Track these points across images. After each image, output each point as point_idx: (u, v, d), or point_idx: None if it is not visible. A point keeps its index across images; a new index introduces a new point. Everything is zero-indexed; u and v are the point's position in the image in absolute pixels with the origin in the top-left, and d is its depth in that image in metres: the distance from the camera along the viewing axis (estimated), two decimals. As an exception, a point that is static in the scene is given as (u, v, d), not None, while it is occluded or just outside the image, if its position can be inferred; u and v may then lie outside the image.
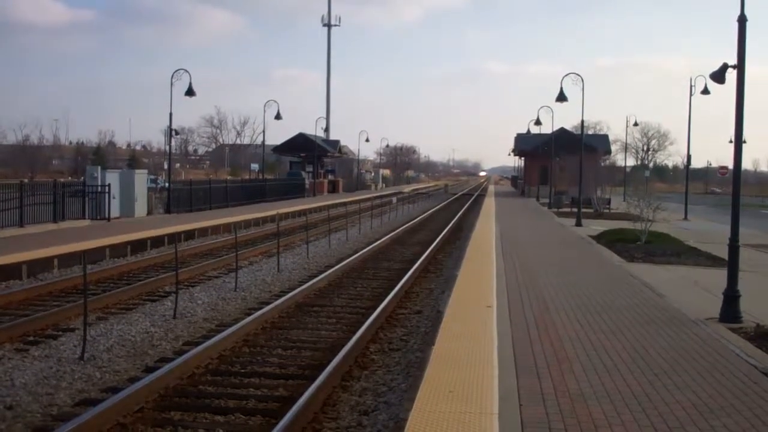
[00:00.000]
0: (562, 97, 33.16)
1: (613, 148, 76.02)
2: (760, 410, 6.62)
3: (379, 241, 23.41)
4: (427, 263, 18.86)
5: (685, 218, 37.80)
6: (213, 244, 21.99)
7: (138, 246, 20.14)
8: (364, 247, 21.83)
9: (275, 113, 51.20)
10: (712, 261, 18.03)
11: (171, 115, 34.69)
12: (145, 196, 29.58)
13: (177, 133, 52.62)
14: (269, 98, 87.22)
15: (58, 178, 34.84)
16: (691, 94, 37.63)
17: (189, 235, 23.83)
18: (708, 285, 13.87)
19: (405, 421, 6.03)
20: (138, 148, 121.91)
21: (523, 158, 77.79)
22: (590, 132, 68.06)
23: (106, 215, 25.64)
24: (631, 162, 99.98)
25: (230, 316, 12.24)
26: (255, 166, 78.92)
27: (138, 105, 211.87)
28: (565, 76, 33.52)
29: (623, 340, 9.35)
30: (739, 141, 10.92)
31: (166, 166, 53.40)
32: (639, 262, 18.00)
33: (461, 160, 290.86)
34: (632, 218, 25.15)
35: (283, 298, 12.93)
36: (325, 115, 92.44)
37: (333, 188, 65.51)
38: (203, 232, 24.94)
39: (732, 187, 11.62)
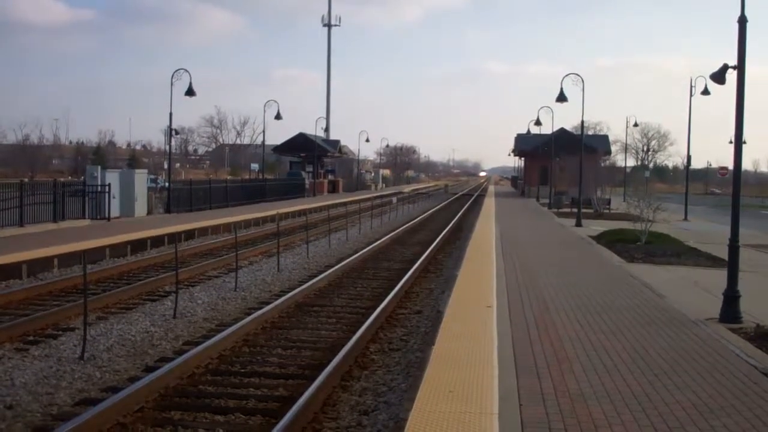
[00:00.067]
0: (562, 98, 33.17)
1: (613, 148, 76.09)
2: (760, 410, 6.63)
3: (379, 241, 23.41)
4: (427, 263, 18.86)
5: (685, 219, 37.80)
6: (213, 244, 21.99)
7: (138, 246, 20.14)
8: (364, 247, 21.83)
9: (275, 113, 51.28)
10: (712, 261, 18.03)
11: (171, 114, 34.72)
12: (145, 196, 29.59)
13: (177, 132, 52.61)
14: (269, 98, 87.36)
15: (58, 178, 34.87)
16: (691, 95, 37.68)
17: (189, 234, 23.83)
18: (708, 285, 13.87)
19: (405, 421, 6.03)
20: (138, 147, 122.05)
21: (523, 158, 77.80)
22: (590, 132, 68.07)
23: (106, 215, 25.64)
24: (631, 162, 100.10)
25: (230, 315, 12.24)
26: (255, 166, 78.92)
27: (138, 105, 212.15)
28: (566, 76, 33.60)
29: (623, 340, 9.35)
30: (739, 141, 10.92)
31: (166, 166, 53.41)
32: (639, 262, 18.00)
33: (461, 160, 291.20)
34: (632, 219, 25.15)
35: (283, 298, 12.93)
36: (325, 115, 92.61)
37: (333, 188, 65.53)
38: (203, 231, 24.94)
39: (732, 187, 11.62)
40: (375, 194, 59.72)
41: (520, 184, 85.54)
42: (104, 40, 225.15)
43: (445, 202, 56.10)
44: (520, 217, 37.30)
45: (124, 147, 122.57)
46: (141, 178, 29.58)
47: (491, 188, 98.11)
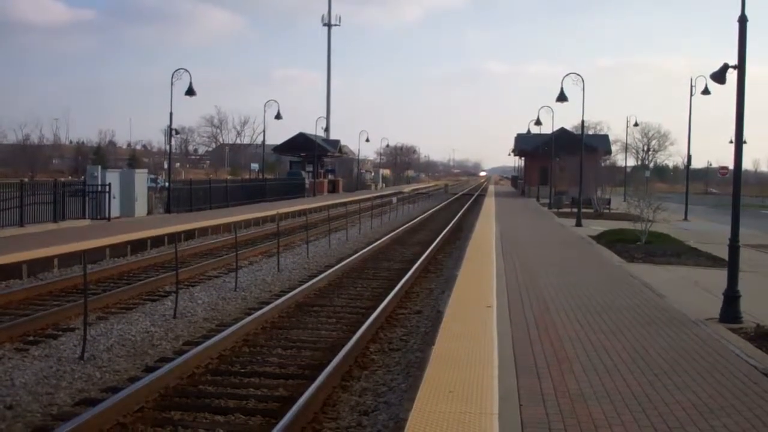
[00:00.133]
0: (562, 97, 33.15)
1: (614, 148, 76.08)
2: (760, 410, 6.62)
3: (379, 241, 23.41)
4: (427, 263, 18.86)
5: (685, 218, 37.79)
6: (213, 244, 21.99)
7: (138, 246, 20.14)
8: (364, 247, 21.83)
9: (275, 113, 51.29)
10: (713, 261, 18.03)
11: (171, 114, 34.74)
12: (145, 196, 29.59)
13: (177, 132, 52.58)
14: (269, 98, 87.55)
15: (58, 178, 34.88)
16: (691, 95, 37.68)
17: (189, 234, 23.83)
18: (708, 285, 13.87)
19: (405, 422, 6.03)
20: (138, 147, 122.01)
21: (523, 158, 77.81)
22: (590, 132, 68.03)
23: (107, 215, 25.65)
24: (631, 162, 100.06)
25: (230, 315, 12.24)
26: (255, 166, 78.94)
27: (138, 105, 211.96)
28: (566, 76, 33.56)
29: (623, 340, 9.35)
30: (739, 141, 10.92)
31: (166, 166, 53.40)
32: (639, 262, 18.00)
33: (461, 160, 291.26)
34: (632, 218, 25.16)
35: (283, 298, 12.93)
36: (325, 115, 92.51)
37: (333, 188, 65.52)
38: (203, 231, 24.94)
39: (732, 187, 11.62)
40: (375, 194, 59.71)
41: (520, 183, 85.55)
42: (104, 40, 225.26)
43: (445, 202, 56.10)
44: (520, 217, 37.30)
45: (125, 147, 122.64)
46: (141, 178, 29.59)
47: (491, 188, 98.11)
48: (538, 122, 48.61)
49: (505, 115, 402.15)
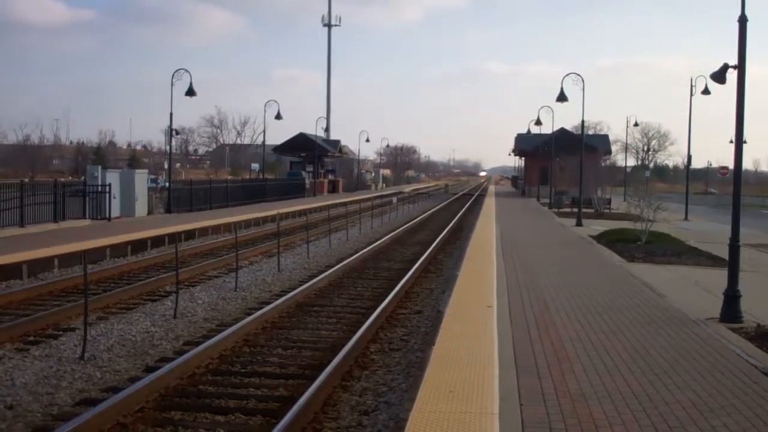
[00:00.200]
0: (562, 97, 33.16)
1: (614, 148, 76.11)
2: (760, 410, 6.63)
3: (379, 241, 23.41)
4: (427, 263, 18.86)
5: (686, 218, 37.80)
6: (213, 244, 21.99)
7: (138, 246, 20.15)
8: (365, 247, 21.83)
9: (275, 113, 51.32)
10: (713, 261, 18.03)
11: (171, 115, 34.82)
12: (145, 196, 29.60)
13: (177, 132, 52.64)
14: (269, 98, 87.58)
15: (58, 178, 34.88)
16: (691, 95, 37.69)
17: (189, 234, 23.84)
18: (708, 285, 13.86)
19: (405, 421, 6.03)
20: (138, 147, 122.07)
21: (523, 158, 77.80)
22: (590, 132, 68.03)
23: (107, 215, 25.65)
24: (631, 162, 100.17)
25: (230, 315, 12.24)
26: (255, 166, 78.94)
27: (138, 105, 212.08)
28: (566, 76, 33.57)
29: (624, 340, 9.35)
30: (739, 141, 10.92)
31: (166, 166, 53.43)
32: (639, 262, 18.00)
33: (461, 160, 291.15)
34: (633, 218, 25.16)
35: (284, 298, 12.93)
36: (325, 115, 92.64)
37: (333, 188, 65.54)
38: (203, 231, 24.94)
39: (732, 187, 11.62)
40: (375, 194, 59.72)
41: (520, 183, 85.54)
42: (104, 40, 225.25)
43: (446, 202, 56.10)
44: (520, 217, 37.30)
45: (125, 147, 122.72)
46: (141, 178, 29.59)
47: (491, 188, 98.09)
48: (538, 122, 48.67)
49: (505, 115, 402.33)
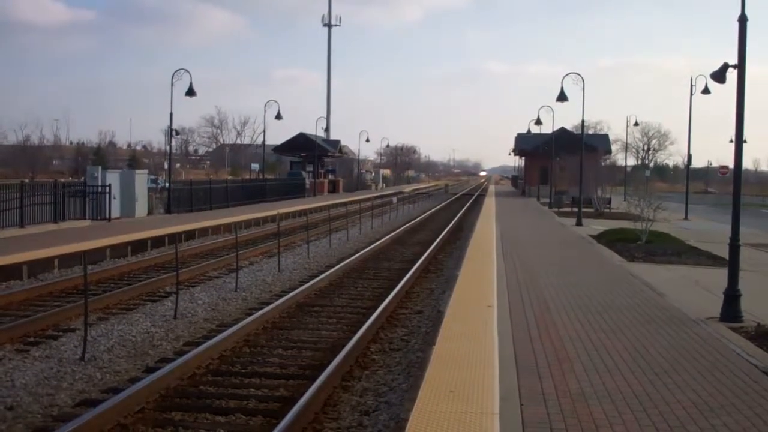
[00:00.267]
0: (562, 97, 33.16)
1: (614, 147, 76.17)
2: (760, 409, 6.63)
3: (379, 241, 23.41)
4: (427, 263, 18.86)
5: (686, 218, 37.80)
6: (213, 244, 22.00)
7: (138, 246, 20.15)
8: (365, 247, 21.83)
9: (275, 113, 51.29)
10: (713, 260, 18.03)
11: (171, 115, 34.86)
12: (145, 197, 29.59)
13: (177, 133, 52.67)
14: (269, 98, 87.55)
15: (58, 179, 34.87)
16: (691, 94, 37.69)
17: (189, 235, 23.83)
18: (709, 284, 13.87)
19: (406, 422, 6.03)
20: (138, 148, 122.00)
21: (523, 158, 77.82)
22: (591, 132, 68.08)
23: (107, 215, 25.64)
24: (631, 162, 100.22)
25: (231, 316, 12.24)
26: (255, 166, 78.94)
27: (138, 105, 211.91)
28: (566, 75, 33.56)
29: (624, 339, 9.35)
30: (739, 141, 10.92)
31: (166, 166, 53.41)
32: (639, 261, 18.00)
33: (462, 160, 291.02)
34: (633, 218, 25.16)
35: (284, 298, 12.93)
36: (325, 115, 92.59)
37: (333, 188, 65.54)
38: (204, 232, 24.94)
39: (733, 186, 11.62)
40: (375, 194, 59.71)
41: (520, 183, 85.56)
42: (104, 40, 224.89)
43: (446, 202, 56.11)
44: (520, 217, 37.31)
45: (125, 147, 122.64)
46: (141, 179, 29.57)
47: (492, 188, 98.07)
48: (538, 122, 48.65)
49: (505, 115, 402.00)
